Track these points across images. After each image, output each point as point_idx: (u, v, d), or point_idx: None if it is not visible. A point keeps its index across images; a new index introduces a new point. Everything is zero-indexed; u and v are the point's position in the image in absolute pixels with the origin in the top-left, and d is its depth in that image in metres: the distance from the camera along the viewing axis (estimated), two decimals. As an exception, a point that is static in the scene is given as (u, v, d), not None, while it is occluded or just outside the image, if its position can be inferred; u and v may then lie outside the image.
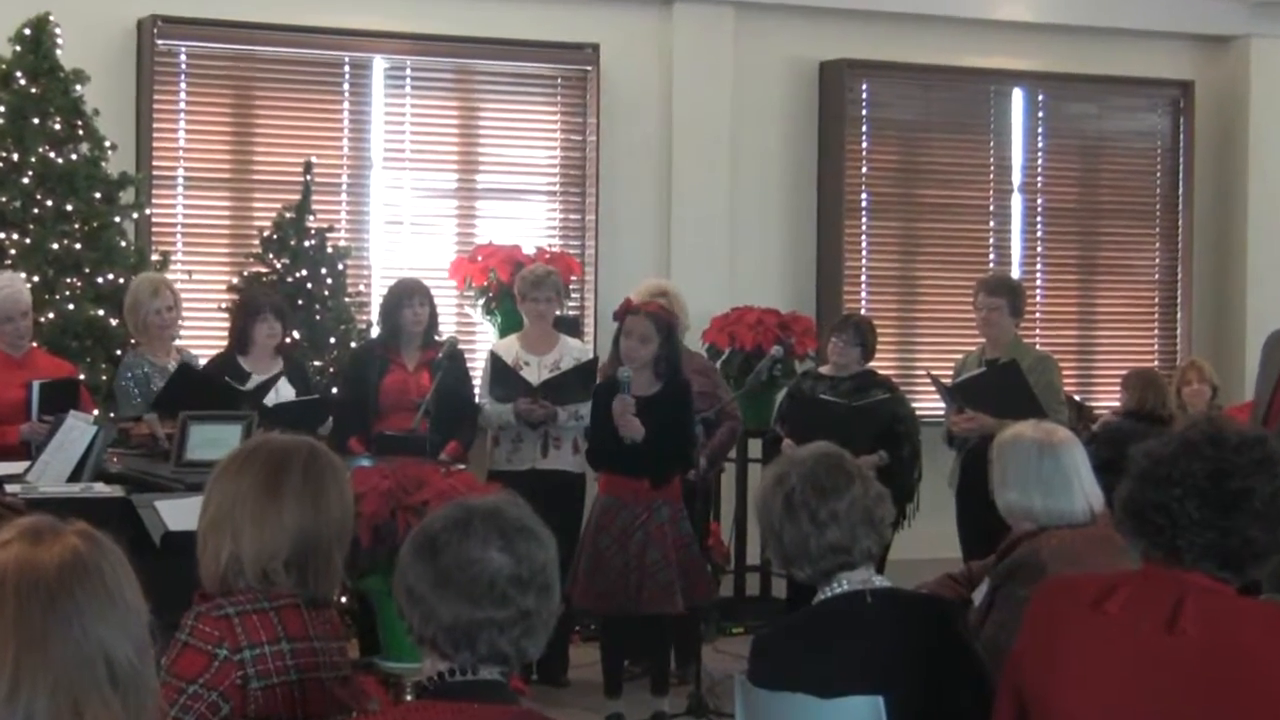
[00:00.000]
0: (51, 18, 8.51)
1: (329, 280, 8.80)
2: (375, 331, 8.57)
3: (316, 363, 8.49)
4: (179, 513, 5.51)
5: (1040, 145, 11.53)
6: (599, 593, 7.12)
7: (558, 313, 8.46)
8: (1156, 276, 11.82)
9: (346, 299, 8.97)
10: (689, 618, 7.42)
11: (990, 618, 4.57)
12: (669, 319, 7.36)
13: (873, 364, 8.27)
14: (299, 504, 3.32)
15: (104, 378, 8.02)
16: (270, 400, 7.39)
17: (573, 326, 9.24)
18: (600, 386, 7.35)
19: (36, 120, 8.37)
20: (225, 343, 8.06)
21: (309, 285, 8.71)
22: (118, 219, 8.57)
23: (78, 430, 6.54)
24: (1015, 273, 11.15)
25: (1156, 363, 11.41)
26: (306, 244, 8.77)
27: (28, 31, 8.46)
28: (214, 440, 6.38)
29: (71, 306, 8.20)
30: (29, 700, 2.15)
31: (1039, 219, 11.54)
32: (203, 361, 7.98)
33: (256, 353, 7.76)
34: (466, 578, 2.82)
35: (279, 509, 3.31)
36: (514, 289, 8.47)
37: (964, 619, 4.26)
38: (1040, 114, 11.52)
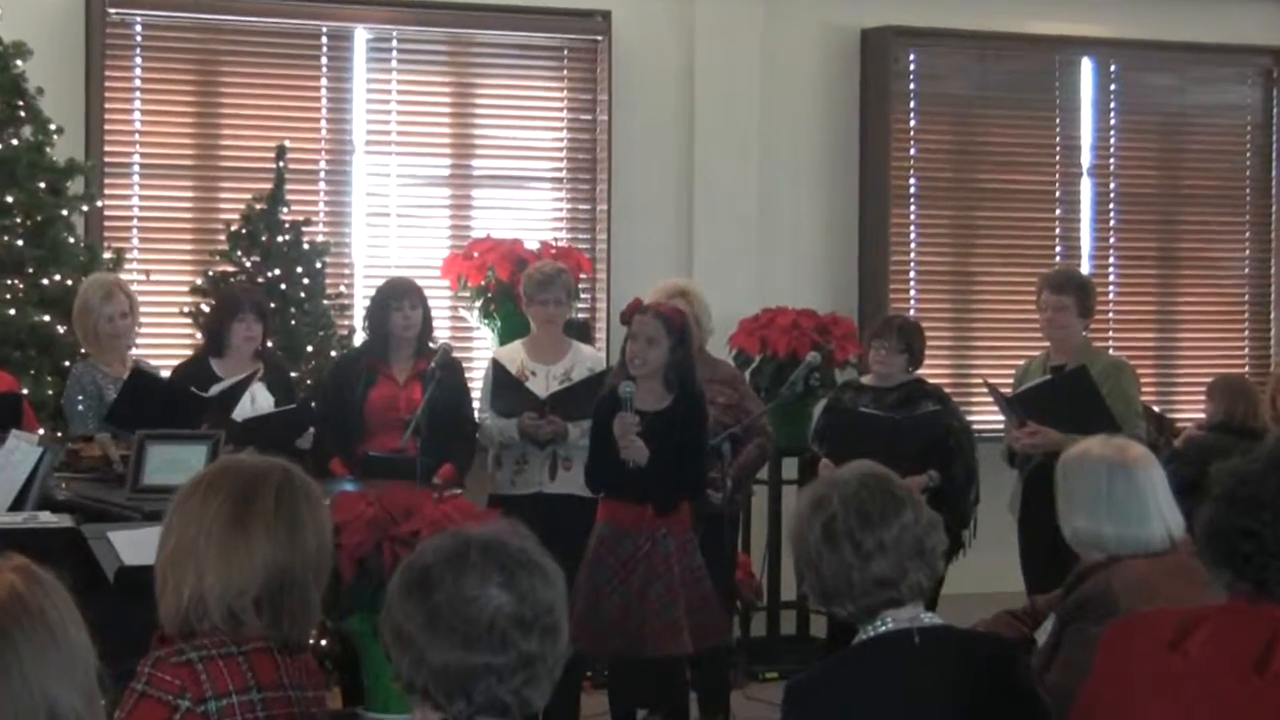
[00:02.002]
0: (-11, -15, 8.57)
1: (306, 280, 8.82)
2: (360, 338, 8.58)
3: (293, 374, 8.50)
4: (135, 545, 5.52)
5: (1113, 122, 11.52)
6: (596, 632, 7.02)
7: (567, 316, 8.46)
8: (1246, 270, 11.81)
9: (326, 301, 8.98)
10: (715, 660, 7.40)
11: (1056, 659, 4.58)
12: (682, 320, 7.25)
13: (921, 372, 8.27)
14: (271, 535, 3.33)
15: (50, 392, 8.03)
16: (245, 409, 7.39)
17: (582, 331, 9.22)
18: (601, 401, 7.27)
19: (-29, 101, 8.41)
20: (187, 351, 8.08)
21: (283, 286, 8.72)
22: (65, 212, 8.58)
23: (20, 452, 6.54)
24: (1085, 267, 11.16)
25: (1247, 369, 11.40)
26: (280, 239, 8.79)
27: (-39, 1, 8.51)
28: (175, 463, 6.40)
29: (13, 311, 8.21)
30: (-36, 758, 2.17)
31: (1112, 206, 11.53)
32: (166, 370, 7.99)
33: (233, 356, 7.76)
34: (462, 618, 2.83)
35: (248, 541, 3.32)
36: (516, 289, 8.46)
37: (1026, 661, 4.27)
38: (1113, 87, 11.51)
